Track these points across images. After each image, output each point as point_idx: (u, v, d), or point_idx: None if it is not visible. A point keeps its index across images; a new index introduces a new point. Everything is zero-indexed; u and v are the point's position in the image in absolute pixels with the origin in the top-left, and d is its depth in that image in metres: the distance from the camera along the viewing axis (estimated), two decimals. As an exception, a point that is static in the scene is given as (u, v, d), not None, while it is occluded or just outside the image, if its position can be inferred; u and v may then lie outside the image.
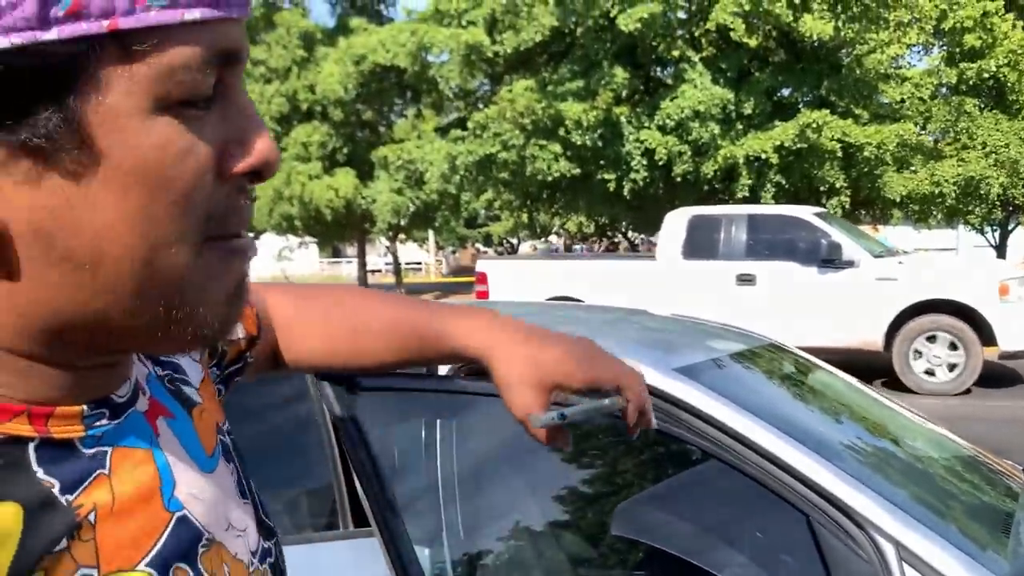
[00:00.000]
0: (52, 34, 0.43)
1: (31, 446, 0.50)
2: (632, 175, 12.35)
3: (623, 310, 2.54)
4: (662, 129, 12.19)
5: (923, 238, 30.64)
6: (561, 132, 12.22)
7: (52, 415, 0.51)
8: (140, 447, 0.57)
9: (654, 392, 1.53)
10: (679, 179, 12.46)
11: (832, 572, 1.46)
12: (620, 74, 12.44)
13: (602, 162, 12.62)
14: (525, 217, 17.25)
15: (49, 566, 0.47)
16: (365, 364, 0.94)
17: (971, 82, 14.80)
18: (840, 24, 12.08)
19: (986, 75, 14.62)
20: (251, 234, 0.57)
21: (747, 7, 11.77)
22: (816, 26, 11.81)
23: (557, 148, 12.32)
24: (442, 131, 17.82)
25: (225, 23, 0.49)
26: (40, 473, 0.49)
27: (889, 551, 1.42)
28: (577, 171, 12.56)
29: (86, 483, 0.51)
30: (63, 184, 0.46)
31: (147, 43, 0.45)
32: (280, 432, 1.72)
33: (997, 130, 13.98)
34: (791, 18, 11.93)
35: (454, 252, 43.30)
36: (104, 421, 0.55)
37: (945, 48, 15.69)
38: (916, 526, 1.44)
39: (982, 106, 15.18)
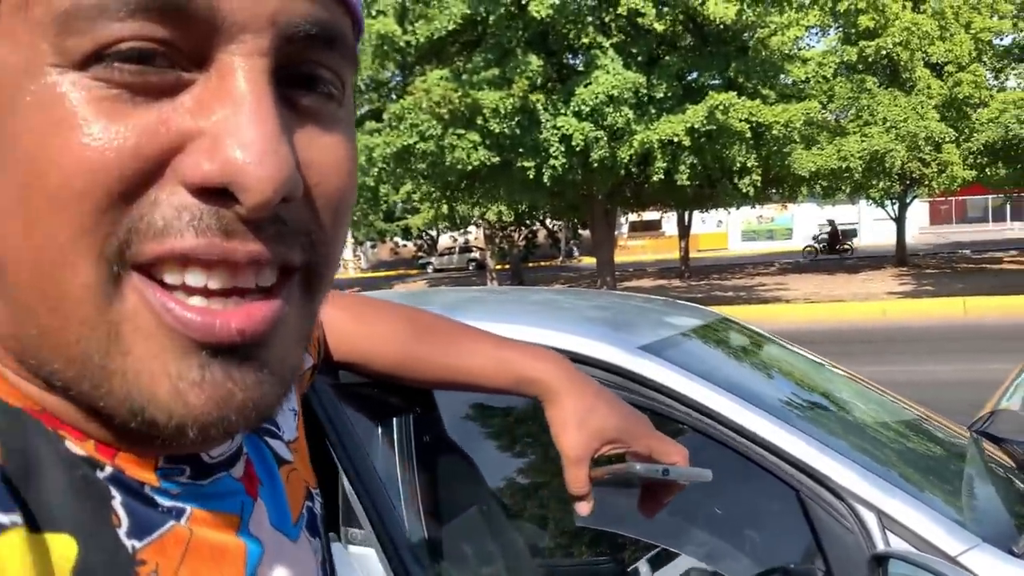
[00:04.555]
0: None
1: (103, 475, 0.42)
2: (551, 161, 12.37)
3: (574, 291, 2.51)
4: (578, 115, 12.25)
5: (827, 214, 31.76)
6: (479, 121, 12.15)
7: (117, 455, 0.43)
8: (226, 512, 0.48)
9: (621, 372, 1.54)
10: (596, 164, 12.55)
11: (809, 542, 1.48)
12: (534, 61, 12.44)
13: (521, 150, 12.60)
14: (445, 208, 17.13)
15: None
16: (428, 377, 0.94)
17: (869, 59, 15.37)
18: (744, 7, 12.35)
19: (883, 52, 15.21)
20: (269, 301, 0.41)
21: (657, -9, 11.92)
22: (719, 9, 12.05)
23: (475, 137, 12.25)
24: (356, 123, 17.53)
25: None
26: (116, 502, 0.41)
27: (870, 519, 1.42)
28: (496, 159, 12.52)
29: (157, 534, 0.43)
30: None
31: None
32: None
33: (896, 106, 14.54)
34: (698, 2, 12.13)
35: (373, 247, 42.83)
36: (183, 478, 0.46)
37: (841, 29, 16.27)
38: (896, 493, 1.45)
39: (878, 84, 15.79)
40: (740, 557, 1.75)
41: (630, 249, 34.04)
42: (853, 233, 30.04)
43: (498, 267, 24.09)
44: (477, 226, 24.33)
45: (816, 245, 28.29)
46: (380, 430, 1.39)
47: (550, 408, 0.87)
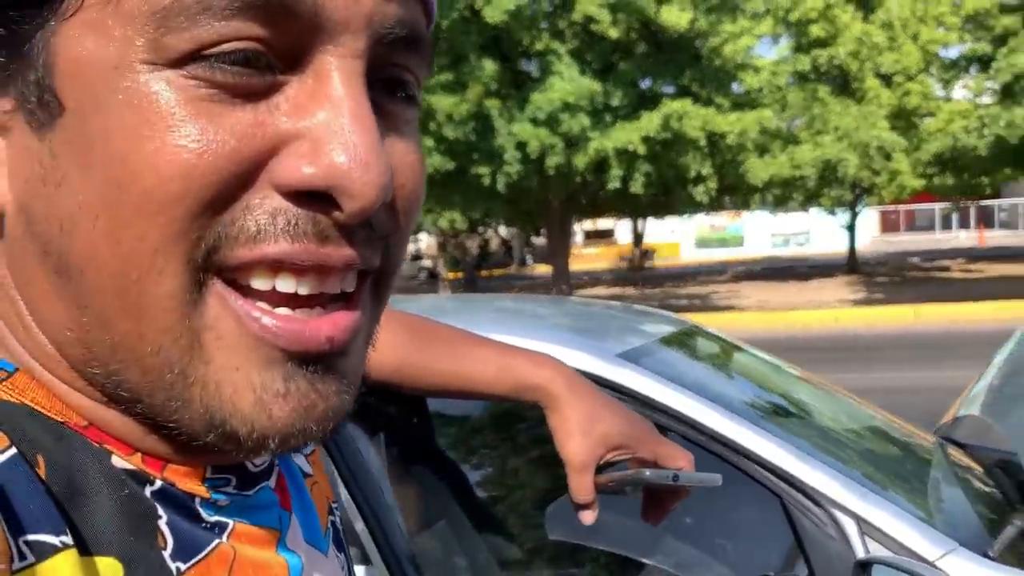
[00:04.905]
0: None
1: (150, 491, 0.40)
2: (506, 168, 12.36)
3: (549, 297, 2.49)
4: (534, 122, 12.25)
5: (779, 222, 32.25)
6: (432, 126, 12.09)
7: (166, 467, 0.41)
8: (267, 527, 0.47)
9: (600, 380, 1.50)
10: (552, 171, 12.56)
11: (786, 549, 1.46)
12: (489, 66, 12.42)
13: (476, 156, 12.57)
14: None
15: None
16: (427, 384, 0.93)
17: (822, 70, 15.65)
18: (697, 15, 12.48)
19: (835, 62, 15.48)
20: (348, 313, 0.41)
21: (612, -1, 12.00)
22: (673, 17, 12.16)
23: (429, 142, 12.19)
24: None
25: None
26: (162, 522, 0.39)
27: (849, 525, 1.42)
28: (451, 166, 12.46)
29: (203, 554, 0.41)
30: (42, 152, 0.36)
31: None
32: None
33: (848, 115, 14.79)
34: (653, 10, 12.23)
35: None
36: (230, 488, 0.45)
37: (793, 38, 16.54)
38: (874, 499, 1.45)
39: (831, 92, 16.07)
40: (717, 566, 1.72)
41: (584, 257, 34.24)
42: (652, 252, 29.02)
43: (451, 275, 24.00)
44: (429, 233, 24.21)
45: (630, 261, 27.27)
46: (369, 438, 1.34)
47: (552, 415, 0.86)
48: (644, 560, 1.78)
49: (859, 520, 1.41)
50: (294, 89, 0.37)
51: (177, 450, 0.41)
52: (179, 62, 0.35)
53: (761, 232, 35.66)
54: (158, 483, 0.41)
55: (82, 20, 0.35)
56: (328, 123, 0.36)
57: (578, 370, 1.49)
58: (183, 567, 0.40)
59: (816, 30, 15.62)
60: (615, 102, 12.63)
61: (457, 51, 12.89)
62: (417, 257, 35.23)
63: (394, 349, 0.91)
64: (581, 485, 0.83)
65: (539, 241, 29.25)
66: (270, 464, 0.49)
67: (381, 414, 1.27)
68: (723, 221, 35.49)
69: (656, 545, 1.82)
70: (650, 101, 13.04)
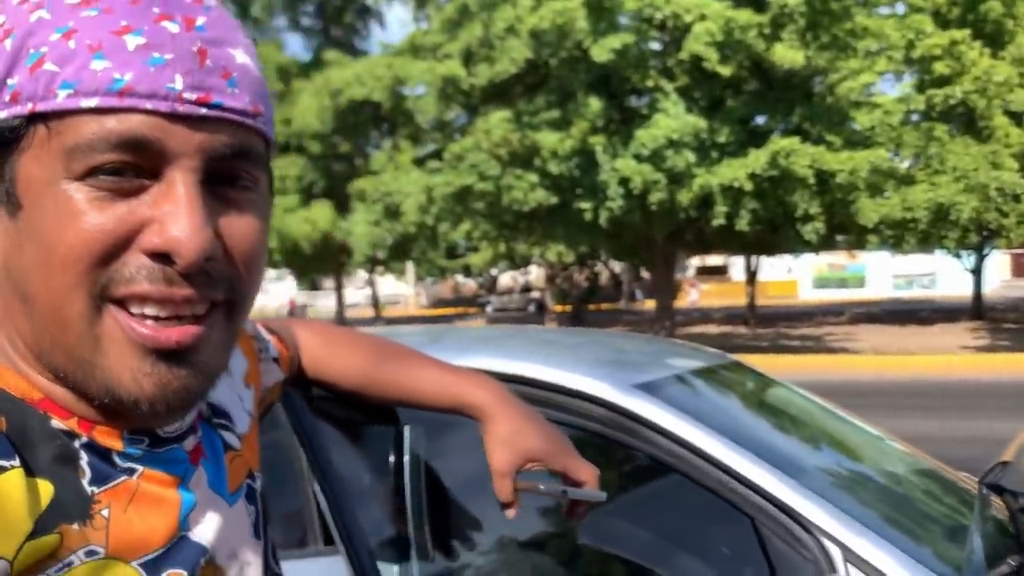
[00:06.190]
0: (3, 113, 0.58)
1: (78, 443, 0.61)
2: (608, 203, 12.43)
3: (590, 332, 2.58)
4: (637, 158, 12.31)
5: (902, 263, 31.01)
6: (537, 162, 12.31)
7: (94, 428, 0.62)
8: (170, 474, 0.67)
9: (614, 408, 1.62)
10: (655, 207, 12.54)
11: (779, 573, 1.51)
12: (595, 104, 12.58)
13: (579, 191, 12.70)
14: (502, 247, 17.27)
15: (64, 532, 0.58)
16: (385, 396, 1.12)
17: (938, 109, 15.03)
18: (810, 53, 12.28)
19: (952, 101, 14.84)
20: (195, 326, 0.61)
21: (720, 37, 11.96)
22: (787, 55, 12.00)
23: (533, 178, 12.40)
24: (419, 162, 17.92)
25: (141, 115, 0.57)
26: (83, 461, 0.61)
27: (836, 553, 1.48)
28: (554, 200, 12.64)
29: (112, 483, 0.62)
30: (13, 230, 0.59)
31: (59, 124, 0.56)
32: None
33: (967, 155, 14.17)
34: (763, 47, 12.12)
35: (434, 283, 43.34)
36: (141, 447, 0.65)
37: (916, 75, 15.95)
38: (861, 530, 1.51)
39: (953, 132, 15.42)
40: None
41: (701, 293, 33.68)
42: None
43: (558, 308, 24.09)
44: (538, 266, 24.42)
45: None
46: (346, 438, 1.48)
47: (484, 428, 1.04)
48: (649, 566, 1.86)
49: (843, 547, 1.48)
50: (153, 191, 0.58)
51: (103, 416, 0.63)
52: (81, 176, 0.57)
53: (883, 273, 34.31)
54: (84, 438, 0.62)
55: (29, 155, 0.58)
56: (171, 212, 0.58)
57: (594, 398, 1.62)
58: (96, 491, 0.61)
59: (940, 67, 15.06)
60: (722, 139, 12.55)
61: (565, 89, 13.11)
62: (527, 289, 35.46)
63: (358, 366, 1.11)
64: (502, 488, 1.01)
65: (648, 276, 28.98)
66: (183, 434, 0.70)
67: (351, 418, 1.40)
68: (842, 260, 34.32)
69: (660, 554, 1.90)
70: (758, 138, 12.88)
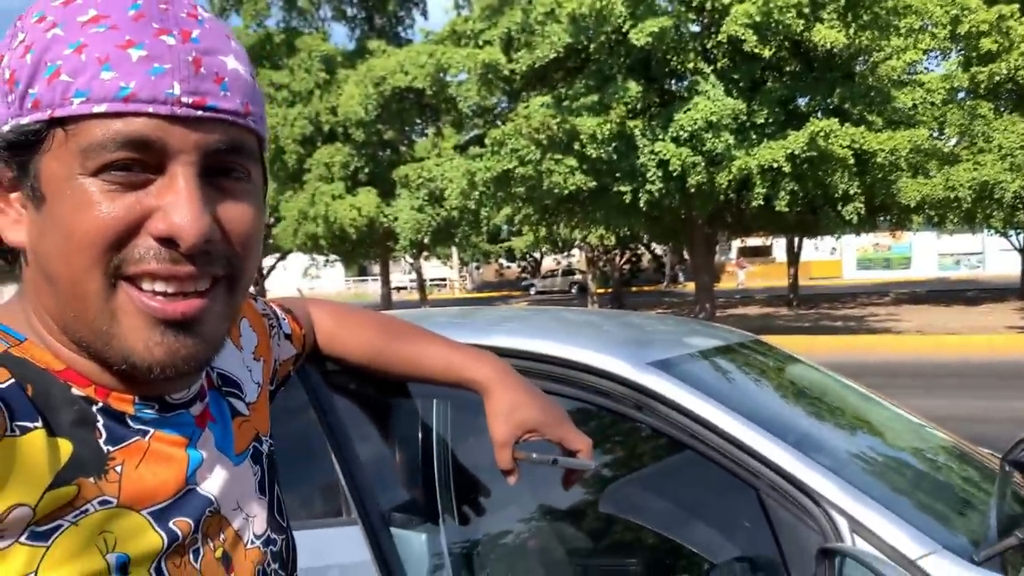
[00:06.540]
0: (26, 119, 0.66)
1: (95, 408, 0.71)
2: (648, 186, 12.44)
3: (615, 312, 2.65)
4: (676, 140, 12.28)
5: (945, 243, 30.40)
6: (576, 146, 12.34)
7: (110, 395, 0.72)
8: (179, 435, 0.76)
9: (629, 384, 1.68)
10: (694, 189, 12.54)
11: (784, 544, 1.58)
12: (634, 88, 12.57)
13: (618, 175, 12.71)
14: (544, 231, 17.34)
15: (81, 484, 0.66)
16: (392, 371, 1.20)
17: (983, 86, 14.71)
18: (851, 32, 12.12)
19: (998, 78, 14.51)
20: (198, 299, 0.69)
21: (758, 18, 11.87)
22: (829, 35, 11.85)
23: (573, 162, 12.44)
24: (461, 148, 18.04)
25: (144, 118, 0.65)
26: (99, 424, 0.70)
27: (843, 524, 1.54)
28: (593, 184, 12.66)
29: (125, 443, 0.71)
30: (38, 219, 0.69)
31: (74, 127, 0.65)
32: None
33: (1013, 132, 13.89)
34: (802, 27, 12.00)
35: (478, 267, 43.39)
36: (151, 411, 0.74)
37: (962, 52, 15.61)
38: (868, 502, 1.56)
39: (1001, 109, 15.09)
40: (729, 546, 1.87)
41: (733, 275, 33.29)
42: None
43: (600, 291, 24.09)
44: (580, 249, 24.41)
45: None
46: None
47: (486, 401, 1.12)
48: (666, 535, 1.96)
49: (850, 518, 1.53)
50: (158, 184, 0.67)
51: (120, 383, 0.72)
52: (95, 172, 0.65)
53: (929, 253, 33.64)
54: (101, 404, 0.70)
55: (50, 154, 0.66)
56: (173, 202, 0.66)
57: (609, 374, 1.71)
58: (111, 449, 0.69)
59: (987, 43, 14.75)
60: (760, 120, 12.47)
61: (604, 73, 13.12)
62: (569, 272, 35.42)
63: (367, 342, 1.20)
64: (502, 457, 1.09)
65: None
66: (191, 400, 0.78)
67: (362, 391, 1.53)
68: (886, 240, 33.73)
69: (680, 523, 1.99)
70: (798, 119, 12.77)
